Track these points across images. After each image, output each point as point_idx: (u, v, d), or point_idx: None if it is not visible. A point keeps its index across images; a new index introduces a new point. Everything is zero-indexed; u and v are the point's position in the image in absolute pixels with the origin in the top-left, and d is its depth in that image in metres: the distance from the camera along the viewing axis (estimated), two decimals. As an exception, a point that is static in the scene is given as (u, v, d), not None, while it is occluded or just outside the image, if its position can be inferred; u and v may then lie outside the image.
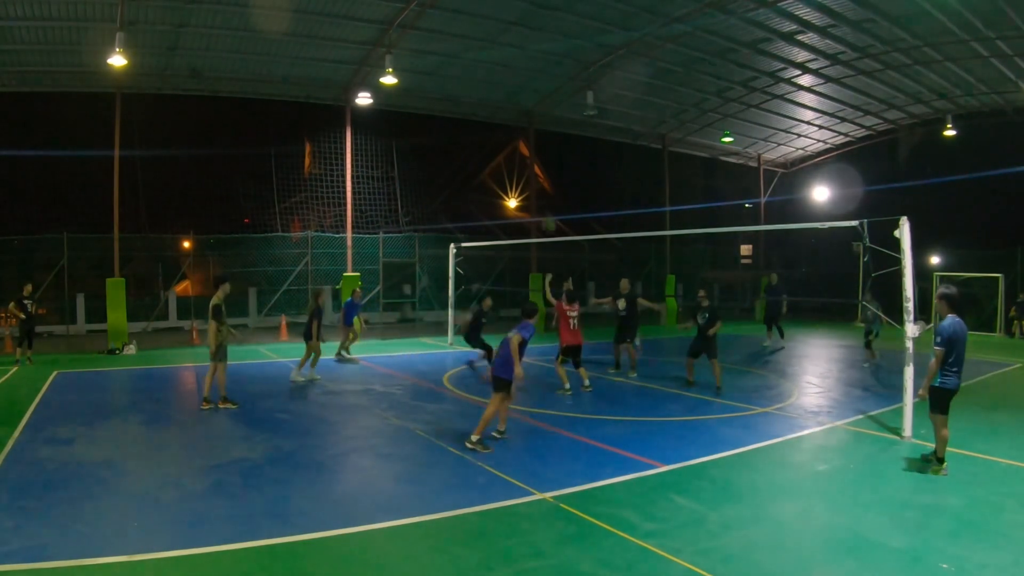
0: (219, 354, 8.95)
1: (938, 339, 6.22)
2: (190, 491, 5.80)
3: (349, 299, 14.43)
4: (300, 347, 16.53)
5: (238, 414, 8.84)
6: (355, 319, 14.18)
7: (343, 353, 14.01)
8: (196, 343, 16.86)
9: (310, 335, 11.49)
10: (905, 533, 5.00)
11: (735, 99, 21.95)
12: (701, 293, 11.12)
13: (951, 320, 6.32)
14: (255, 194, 23.79)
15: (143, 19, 14.05)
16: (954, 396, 6.33)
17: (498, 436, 7.55)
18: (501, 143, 33.75)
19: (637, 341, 12.69)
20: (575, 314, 10.65)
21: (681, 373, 11.46)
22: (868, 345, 13.62)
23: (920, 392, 6.38)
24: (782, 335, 16.64)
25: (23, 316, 12.95)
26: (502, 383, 7.25)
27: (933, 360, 6.25)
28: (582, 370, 10.67)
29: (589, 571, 4.35)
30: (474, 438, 7.11)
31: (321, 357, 11.90)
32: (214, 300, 8.90)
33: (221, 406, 9.02)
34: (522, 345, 7.16)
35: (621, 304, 12.07)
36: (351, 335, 14.23)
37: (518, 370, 7.09)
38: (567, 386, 10.52)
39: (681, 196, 27.73)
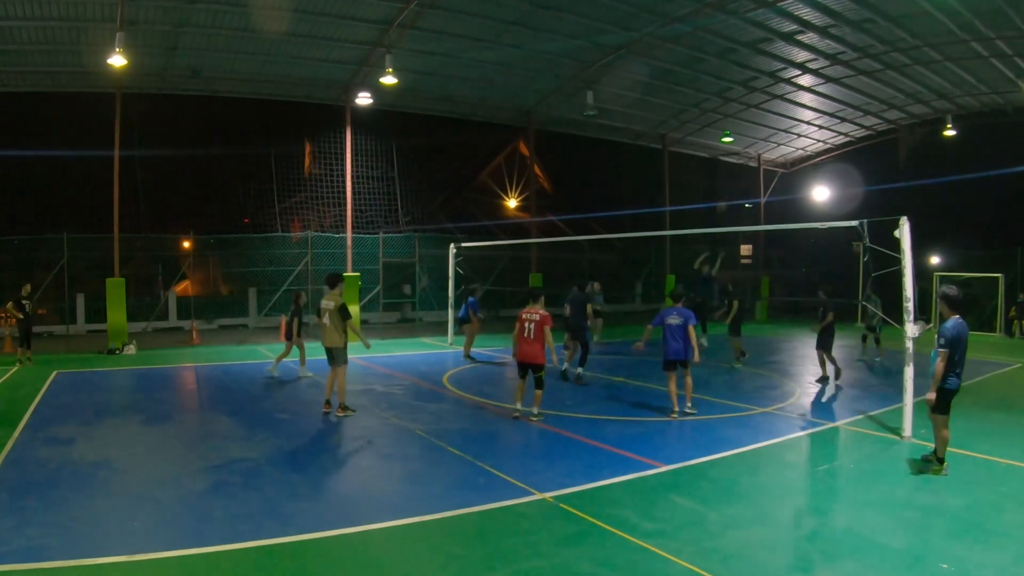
0: (343, 357, 8.71)
1: (941, 340, 6.17)
2: (190, 491, 5.80)
3: (472, 298, 14.74)
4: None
5: (238, 414, 8.83)
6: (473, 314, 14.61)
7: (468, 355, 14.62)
8: (196, 343, 16.86)
9: (291, 334, 12.05)
10: (905, 533, 5.00)
11: (735, 99, 21.93)
12: (823, 295, 12.31)
13: (954, 321, 6.29)
14: (255, 194, 23.81)
15: (143, 19, 14.02)
16: (955, 396, 6.32)
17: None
18: (501, 143, 33.76)
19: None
20: (534, 318, 8.42)
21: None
22: (877, 341, 14.28)
23: (928, 396, 6.27)
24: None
25: (21, 316, 12.96)
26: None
27: (939, 362, 6.17)
28: (537, 392, 8.48)
29: (589, 571, 4.34)
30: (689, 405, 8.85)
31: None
32: (339, 301, 8.64)
33: (340, 414, 8.66)
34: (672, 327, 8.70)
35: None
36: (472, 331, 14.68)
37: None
38: (518, 406, 8.60)
39: (681, 196, 27.70)
